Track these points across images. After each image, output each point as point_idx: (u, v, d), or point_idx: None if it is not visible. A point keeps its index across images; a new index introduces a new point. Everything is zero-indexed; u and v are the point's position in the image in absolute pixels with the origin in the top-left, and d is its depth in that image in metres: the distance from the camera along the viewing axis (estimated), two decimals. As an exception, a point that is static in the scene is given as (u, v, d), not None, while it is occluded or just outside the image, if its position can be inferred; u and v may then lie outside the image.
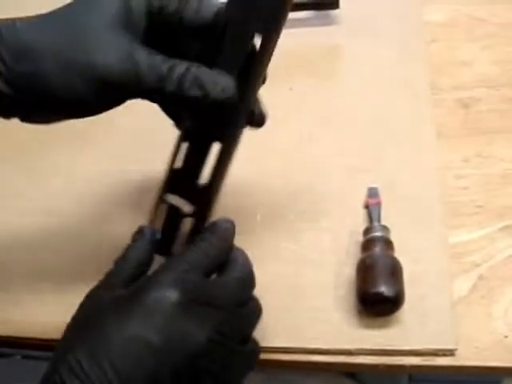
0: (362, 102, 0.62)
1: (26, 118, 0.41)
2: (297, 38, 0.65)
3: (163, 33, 0.41)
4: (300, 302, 0.49)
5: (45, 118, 0.42)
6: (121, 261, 0.42)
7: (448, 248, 0.51)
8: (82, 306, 0.40)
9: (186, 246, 0.43)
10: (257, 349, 0.42)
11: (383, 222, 0.51)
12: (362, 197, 0.54)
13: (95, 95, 0.38)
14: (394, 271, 0.46)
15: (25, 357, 0.56)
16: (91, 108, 0.40)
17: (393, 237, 0.50)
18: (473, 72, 0.63)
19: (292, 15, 0.65)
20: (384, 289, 0.45)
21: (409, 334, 0.47)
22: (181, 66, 0.39)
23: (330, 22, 0.69)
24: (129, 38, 0.39)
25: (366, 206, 0.53)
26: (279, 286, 0.50)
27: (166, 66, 0.38)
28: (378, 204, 0.52)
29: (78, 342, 0.36)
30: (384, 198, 0.53)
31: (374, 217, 0.51)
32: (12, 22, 0.39)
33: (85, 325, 0.38)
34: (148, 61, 0.38)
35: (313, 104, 0.62)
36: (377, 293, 0.45)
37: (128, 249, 0.43)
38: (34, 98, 0.39)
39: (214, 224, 0.42)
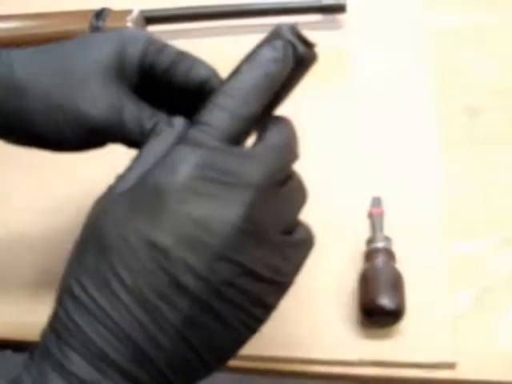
0: (366, 109, 0.61)
1: (11, 143, 0.43)
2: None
3: (154, 86, 0.41)
4: (301, 311, 0.49)
5: (28, 146, 0.44)
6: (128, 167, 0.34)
7: (450, 260, 0.51)
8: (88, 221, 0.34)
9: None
10: (308, 237, 0.35)
11: (386, 232, 0.50)
12: (365, 206, 0.53)
13: (77, 139, 0.41)
14: (396, 283, 0.46)
15: (15, 351, 0.56)
16: (71, 148, 0.42)
17: (395, 247, 0.49)
18: (479, 80, 0.62)
19: (297, 18, 0.65)
20: (385, 301, 0.45)
21: (409, 346, 0.46)
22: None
23: (336, 27, 0.68)
24: (119, 88, 0.40)
25: (370, 216, 0.53)
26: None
27: (151, 123, 0.40)
28: (381, 214, 0.52)
29: (79, 264, 0.32)
30: (387, 207, 0.53)
31: (377, 227, 0.51)
32: (7, 52, 0.41)
33: (86, 240, 0.33)
34: (134, 117, 0.40)
35: (316, 110, 0.62)
36: (378, 305, 0.45)
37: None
38: (19, 132, 0.41)
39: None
